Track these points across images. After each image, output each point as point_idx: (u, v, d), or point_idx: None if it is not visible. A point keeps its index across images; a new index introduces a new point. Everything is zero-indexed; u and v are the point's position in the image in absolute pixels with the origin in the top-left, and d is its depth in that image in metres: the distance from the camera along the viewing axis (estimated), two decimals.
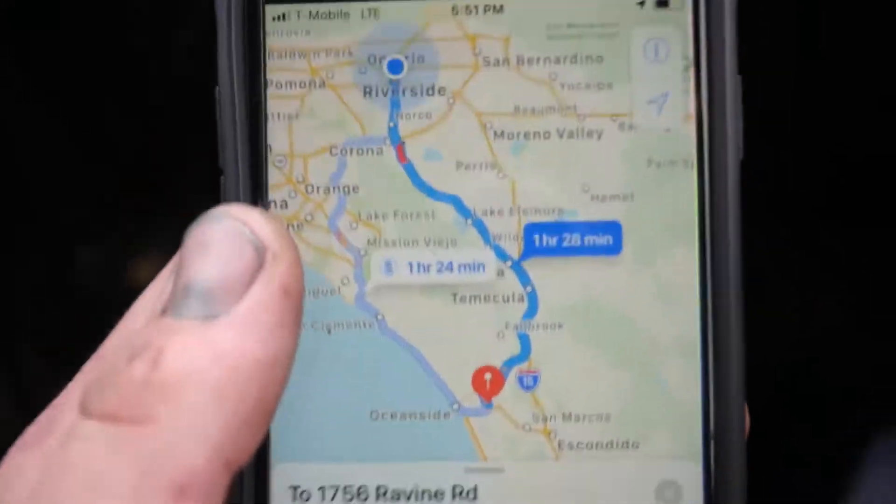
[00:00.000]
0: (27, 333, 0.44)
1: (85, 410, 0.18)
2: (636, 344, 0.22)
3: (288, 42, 0.22)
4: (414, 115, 0.22)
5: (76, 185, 0.43)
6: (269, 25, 0.22)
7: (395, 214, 0.22)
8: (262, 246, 0.19)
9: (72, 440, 0.17)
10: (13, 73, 0.42)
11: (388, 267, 0.22)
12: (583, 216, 0.22)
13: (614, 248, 0.22)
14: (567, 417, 0.22)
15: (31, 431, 0.22)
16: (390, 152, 0.22)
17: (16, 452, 0.21)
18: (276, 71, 0.22)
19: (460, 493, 0.22)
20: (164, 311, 0.19)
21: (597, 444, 0.22)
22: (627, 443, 0.22)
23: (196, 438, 0.17)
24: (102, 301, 0.42)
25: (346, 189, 0.22)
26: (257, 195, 0.22)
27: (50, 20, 0.42)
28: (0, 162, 0.42)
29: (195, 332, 0.18)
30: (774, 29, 0.41)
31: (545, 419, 0.22)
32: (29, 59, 0.42)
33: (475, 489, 0.22)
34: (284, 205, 0.22)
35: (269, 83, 0.22)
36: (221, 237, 0.19)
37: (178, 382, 0.18)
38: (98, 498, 0.17)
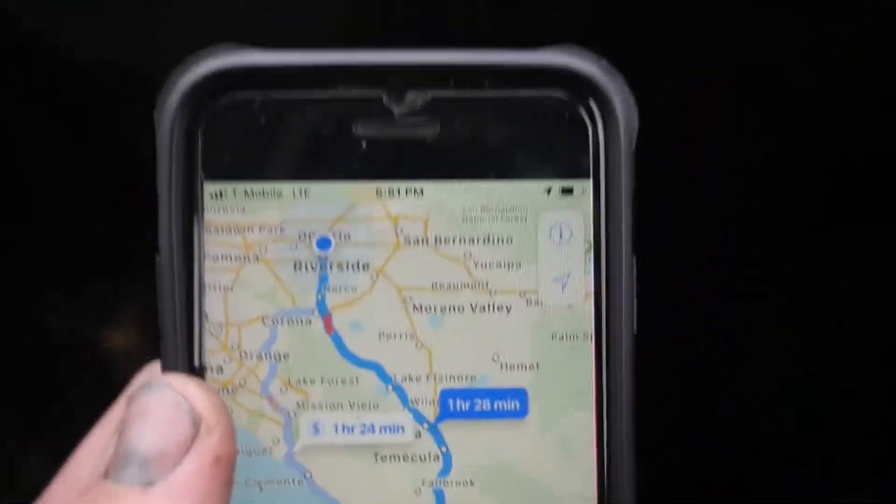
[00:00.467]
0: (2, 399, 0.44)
1: None
2: (540, 501, 0.24)
3: (224, 218, 0.24)
4: (340, 289, 0.24)
5: (42, 249, 0.44)
6: (207, 202, 0.24)
7: (322, 380, 0.24)
8: (197, 418, 0.21)
9: None
10: None
11: (316, 428, 0.24)
12: (493, 383, 0.24)
13: (521, 413, 0.24)
14: None
15: None
16: (318, 323, 0.24)
17: None
18: (213, 245, 0.24)
19: None
20: (105, 475, 0.21)
21: None
22: None
23: None
24: (71, 362, 0.44)
25: (277, 356, 0.24)
26: (193, 361, 0.24)
27: None
28: None
29: (134, 499, 0.20)
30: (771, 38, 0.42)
31: None
32: None
33: None
34: (220, 370, 0.24)
35: (206, 256, 0.24)
36: (160, 408, 0.21)
37: None
38: None
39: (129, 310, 0.45)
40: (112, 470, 0.21)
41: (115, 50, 0.39)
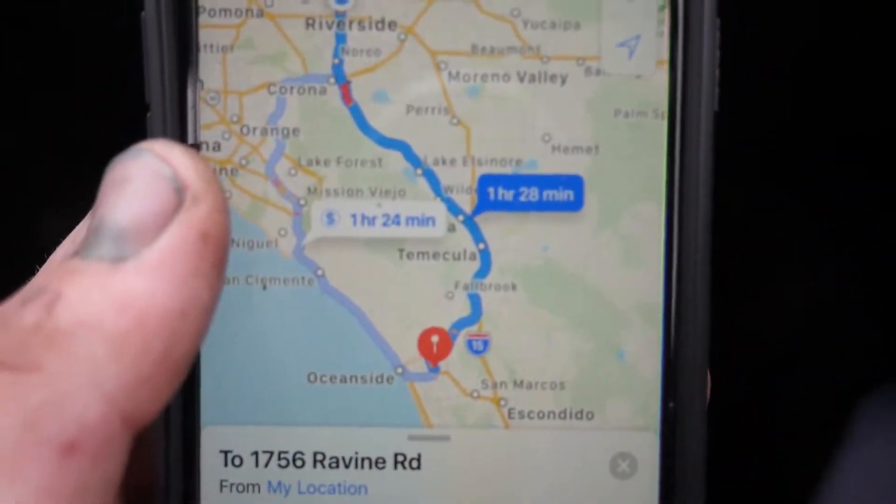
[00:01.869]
0: None
1: None
2: (595, 309, 0.20)
3: None
4: (361, 52, 0.20)
5: (46, 154, 0.41)
6: None
7: (339, 161, 0.20)
8: (182, 186, 0.17)
9: None
10: None
11: (330, 218, 0.20)
12: (542, 168, 0.20)
13: (575, 205, 0.20)
14: (518, 385, 0.20)
15: None
16: (334, 92, 0.20)
17: None
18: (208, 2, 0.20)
19: (402, 462, 0.20)
20: (75, 253, 0.17)
21: (549, 414, 0.20)
22: (581, 413, 0.20)
23: (88, 392, 0.16)
24: None
25: (286, 132, 0.20)
26: (186, 134, 0.20)
27: None
28: None
29: (99, 276, 0.16)
30: None
31: (495, 386, 0.20)
32: None
33: (419, 457, 0.20)
34: (217, 147, 0.20)
35: (200, 10, 0.20)
36: (139, 174, 0.17)
37: (72, 330, 0.16)
38: None
39: None
40: (83, 247, 0.17)
41: None
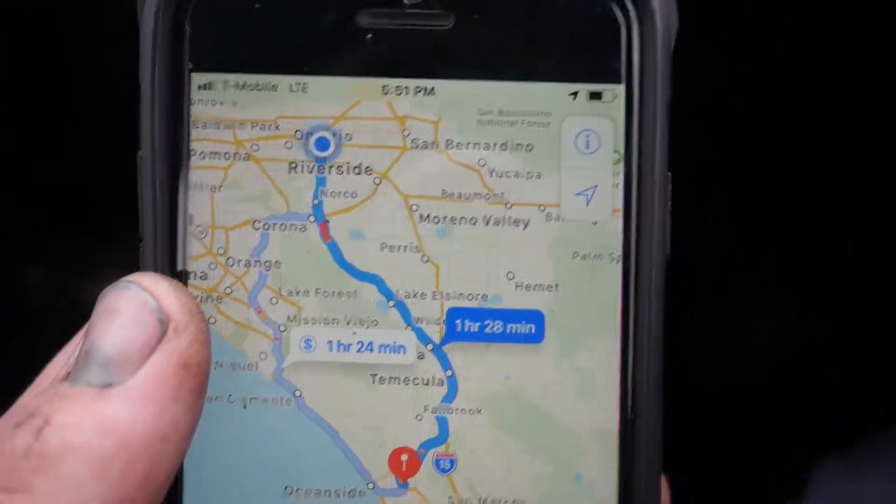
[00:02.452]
0: None
1: None
2: (554, 434, 0.22)
3: (213, 112, 0.22)
4: (339, 194, 0.22)
5: (23, 203, 0.42)
6: (195, 94, 0.21)
7: (317, 292, 0.22)
8: (165, 318, 0.19)
9: None
10: None
11: (308, 344, 0.22)
12: (506, 304, 0.22)
13: (536, 337, 0.22)
14: (482, 502, 0.22)
15: None
16: (314, 229, 0.22)
17: None
18: (200, 140, 0.22)
19: None
20: (65, 377, 0.19)
21: None
22: None
23: None
24: (51, 319, 0.42)
25: (268, 264, 0.22)
26: (176, 265, 0.22)
27: None
28: None
29: (86, 402, 0.18)
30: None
31: (460, 503, 0.22)
32: None
33: None
34: (204, 276, 0.22)
35: (192, 153, 0.22)
36: (127, 306, 0.19)
37: (60, 454, 0.17)
38: None
39: (111, 264, 0.43)
40: (73, 371, 0.19)
41: None
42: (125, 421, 0.18)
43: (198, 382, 0.19)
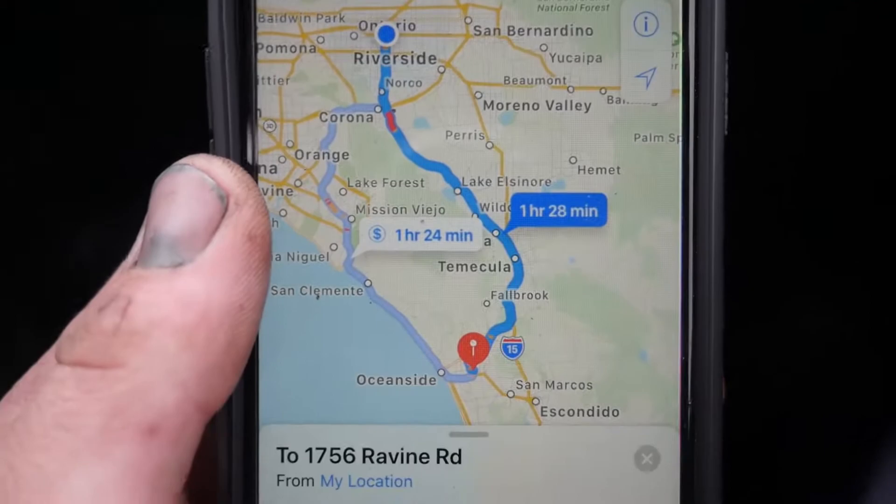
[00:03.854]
0: (28, 320, 0.43)
1: (59, 359, 0.18)
2: (618, 314, 0.22)
3: (279, 5, 0.22)
4: (404, 83, 0.22)
5: (74, 175, 0.42)
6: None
7: (385, 182, 0.22)
8: (224, 193, 0.19)
9: (45, 384, 0.18)
10: None
11: (377, 234, 0.22)
12: (569, 188, 0.22)
13: (599, 221, 0.22)
14: (550, 385, 0.22)
15: (17, 385, 0.22)
16: (380, 120, 0.22)
17: (2, 404, 0.21)
18: (267, 34, 0.22)
19: (444, 457, 0.22)
20: (134, 263, 0.19)
21: (578, 411, 0.22)
22: (608, 410, 0.22)
23: (165, 381, 0.18)
24: (97, 287, 0.42)
25: (336, 155, 0.22)
26: (247, 158, 0.22)
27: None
28: None
29: (162, 281, 0.19)
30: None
31: (528, 386, 0.22)
32: None
33: (459, 452, 0.22)
34: (274, 169, 0.22)
35: (259, 46, 0.22)
36: (185, 187, 0.19)
37: (146, 329, 0.18)
38: (67, 435, 0.17)
39: None
40: (141, 258, 0.19)
41: None
42: (202, 294, 0.18)
43: (264, 252, 0.19)
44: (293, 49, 0.22)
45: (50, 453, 0.17)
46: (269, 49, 0.22)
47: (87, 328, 0.18)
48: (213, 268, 0.19)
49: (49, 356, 0.21)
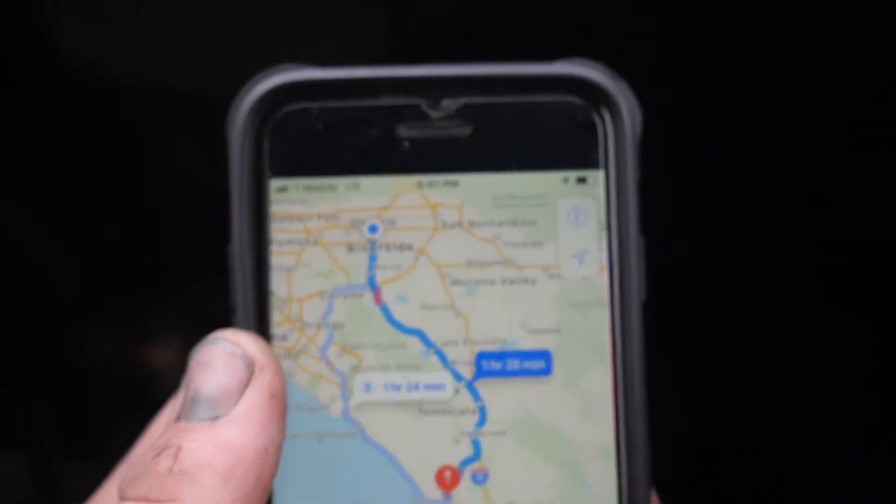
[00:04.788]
0: (45, 416, 0.47)
1: (124, 496, 0.23)
2: (565, 448, 0.28)
3: (288, 209, 0.28)
4: (388, 267, 0.28)
5: (83, 273, 0.47)
6: (273, 195, 0.28)
7: (373, 345, 0.28)
8: (251, 361, 0.25)
9: None
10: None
11: (368, 387, 0.28)
12: (521, 346, 0.28)
13: (546, 371, 0.28)
14: None
15: None
16: (369, 296, 0.28)
17: None
18: (278, 232, 0.28)
19: None
20: (178, 418, 0.24)
21: None
22: None
23: None
24: (114, 384, 0.47)
25: (334, 325, 0.28)
26: (262, 330, 0.27)
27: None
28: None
29: (204, 431, 0.24)
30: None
31: None
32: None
33: None
34: (284, 338, 0.28)
35: (272, 241, 0.28)
36: (219, 356, 0.25)
37: (194, 470, 0.23)
38: None
39: (166, 331, 0.48)
40: (182, 413, 0.24)
41: (170, 78, 0.43)
42: (237, 441, 0.24)
43: (282, 407, 0.25)
44: (299, 243, 0.28)
45: None
46: (280, 243, 0.28)
47: (146, 471, 0.24)
48: (244, 420, 0.24)
49: (103, 497, 0.26)
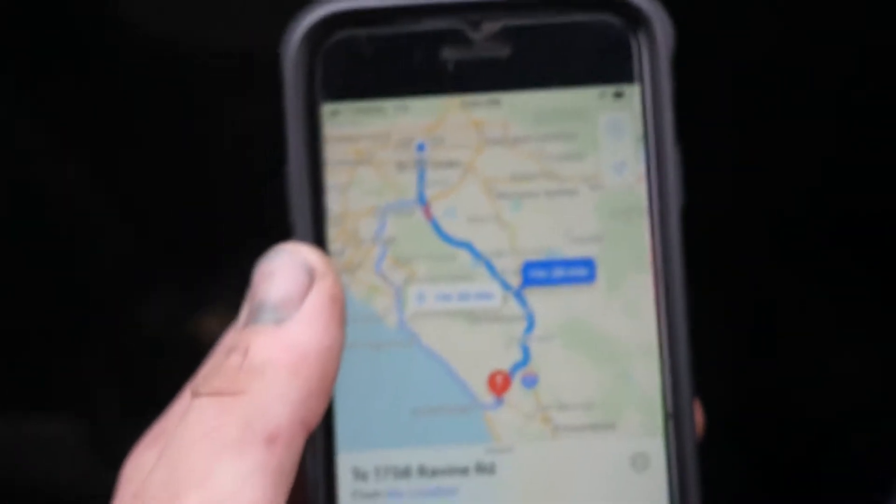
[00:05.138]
0: (102, 381, 0.49)
1: (196, 395, 0.25)
2: (611, 349, 0.29)
3: (340, 131, 0.29)
4: (436, 183, 0.29)
5: (142, 241, 0.49)
6: (326, 118, 0.29)
7: (425, 258, 0.29)
8: (311, 268, 0.26)
9: (188, 414, 0.25)
10: (52, 133, 0.48)
11: (421, 298, 0.29)
12: (566, 254, 0.29)
13: (590, 278, 0.29)
14: (561, 407, 0.29)
15: (147, 436, 0.29)
16: (419, 211, 0.29)
17: (137, 451, 0.28)
18: (332, 153, 0.29)
19: (481, 469, 0.29)
20: (245, 324, 0.26)
21: (584, 427, 0.29)
22: (607, 424, 0.29)
23: (280, 404, 0.24)
24: (170, 351, 0.48)
25: (387, 240, 0.29)
26: (319, 245, 0.29)
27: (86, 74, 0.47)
28: (57, 218, 0.48)
29: (271, 332, 0.25)
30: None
31: (544, 409, 0.29)
32: (63, 111, 0.47)
33: (493, 465, 0.29)
34: (341, 253, 0.29)
35: (326, 162, 0.29)
36: (281, 265, 0.26)
37: (263, 366, 0.25)
38: (212, 443, 0.24)
39: (223, 300, 0.50)
40: (250, 318, 0.26)
41: (226, 40, 0.45)
42: (302, 339, 0.25)
43: (342, 311, 0.26)
44: (352, 163, 0.29)
45: (201, 456, 0.23)
46: (333, 164, 0.29)
47: (217, 368, 0.25)
48: (308, 322, 0.26)
49: (175, 408, 0.28)
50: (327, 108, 0.29)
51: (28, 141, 0.46)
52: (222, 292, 0.49)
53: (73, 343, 0.51)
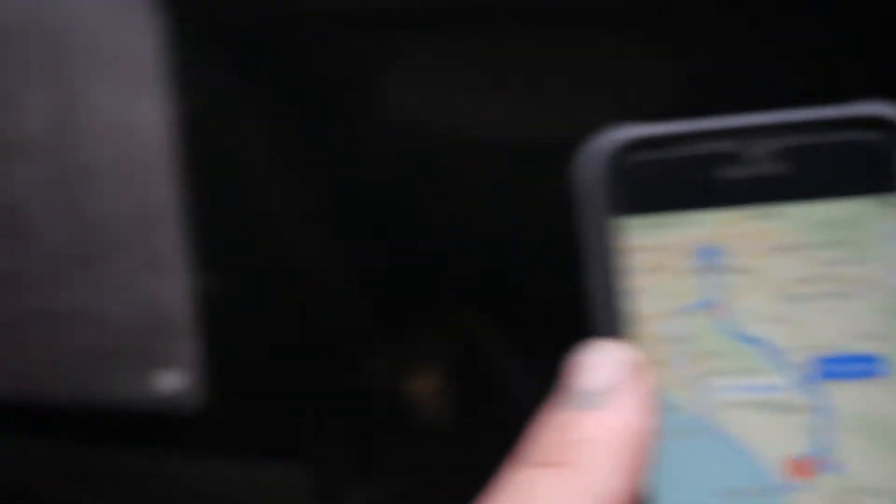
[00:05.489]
0: (330, 434, 0.53)
1: (527, 465, 0.29)
2: None
3: (632, 242, 0.33)
4: (724, 286, 0.32)
5: (366, 301, 0.52)
6: (619, 231, 0.33)
7: (718, 355, 0.32)
8: (627, 363, 0.31)
9: (525, 482, 0.29)
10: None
11: (721, 390, 0.32)
12: (853, 351, 0.32)
13: (876, 372, 0.32)
14: (863, 492, 0.31)
15: (498, 487, 0.32)
16: (711, 312, 0.32)
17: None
18: (628, 262, 0.33)
19: None
20: (567, 407, 0.30)
21: None
22: None
23: (611, 477, 0.29)
24: (388, 406, 0.51)
25: (682, 339, 0.32)
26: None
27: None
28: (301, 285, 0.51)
29: (593, 416, 0.30)
30: None
31: (847, 492, 0.31)
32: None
33: None
34: (642, 350, 0.32)
35: (620, 269, 0.33)
36: (600, 358, 0.31)
37: (590, 443, 0.29)
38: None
39: (433, 358, 0.53)
40: (574, 404, 0.30)
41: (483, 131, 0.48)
42: (623, 424, 0.30)
43: (653, 403, 0.30)
44: (643, 271, 0.33)
45: None
46: (627, 271, 0.33)
47: (543, 443, 0.30)
48: (626, 409, 0.30)
49: (513, 470, 0.31)
50: (620, 222, 0.33)
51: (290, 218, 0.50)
52: (432, 351, 0.52)
53: (311, 396, 0.54)
